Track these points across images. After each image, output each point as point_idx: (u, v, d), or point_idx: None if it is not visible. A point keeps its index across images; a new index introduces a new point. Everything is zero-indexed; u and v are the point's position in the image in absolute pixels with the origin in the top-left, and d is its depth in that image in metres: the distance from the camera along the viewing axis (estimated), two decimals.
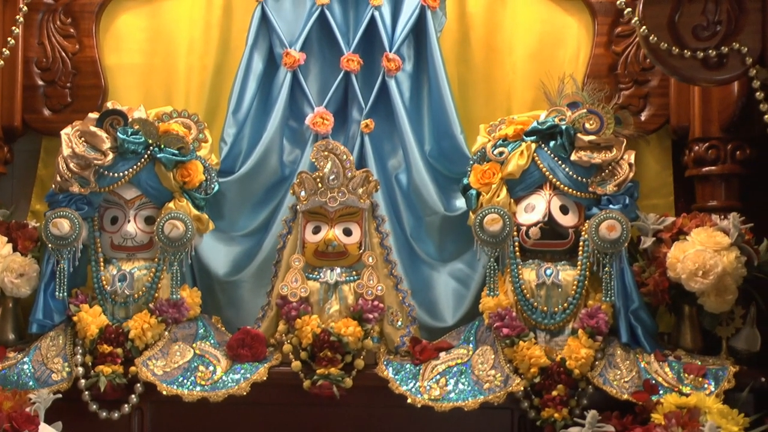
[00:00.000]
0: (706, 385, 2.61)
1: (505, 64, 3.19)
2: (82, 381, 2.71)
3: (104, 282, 2.82)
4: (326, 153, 2.80)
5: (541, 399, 2.65)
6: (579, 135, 2.81)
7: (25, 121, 3.11)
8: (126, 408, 2.71)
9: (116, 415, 2.71)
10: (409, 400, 2.64)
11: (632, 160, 2.82)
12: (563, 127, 2.82)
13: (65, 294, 2.78)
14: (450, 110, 3.10)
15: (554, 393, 2.63)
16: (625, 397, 2.59)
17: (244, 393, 2.67)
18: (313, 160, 2.83)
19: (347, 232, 2.83)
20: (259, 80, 3.17)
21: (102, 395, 2.69)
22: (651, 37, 2.40)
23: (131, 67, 3.20)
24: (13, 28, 2.74)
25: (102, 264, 2.85)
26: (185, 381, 2.68)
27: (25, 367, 2.73)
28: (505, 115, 3.06)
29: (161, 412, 2.79)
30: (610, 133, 2.82)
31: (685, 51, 2.40)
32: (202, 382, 2.67)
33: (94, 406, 2.71)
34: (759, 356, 2.73)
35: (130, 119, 2.83)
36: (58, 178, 2.83)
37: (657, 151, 3.12)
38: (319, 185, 2.81)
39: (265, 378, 2.70)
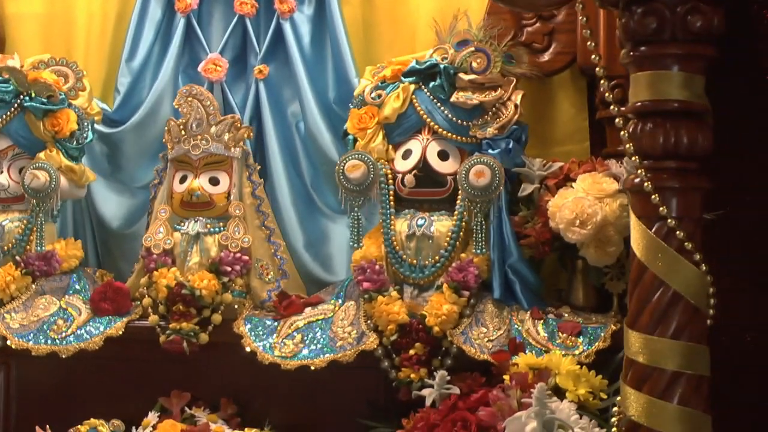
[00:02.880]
0: (578, 345, 2.38)
1: (409, 3, 2.99)
2: None
3: None
4: (190, 99, 2.68)
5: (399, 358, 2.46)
6: (460, 75, 2.60)
7: None
8: None
9: None
10: (258, 357, 2.49)
11: (518, 101, 2.58)
12: (442, 66, 2.60)
13: None
14: (345, 54, 2.93)
15: (411, 352, 2.44)
16: (484, 357, 2.39)
17: (97, 347, 2.58)
18: (177, 106, 2.71)
19: (214, 181, 2.70)
20: (158, 27, 3.07)
21: None
22: None
23: (32, 17, 3.14)
24: None
25: None
26: (39, 335, 2.61)
27: None
28: None
29: (28, 367, 2.72)
30: (497, 72, 2.59)
31: None
32: (54, 336, 2.60)
33: None
34: None
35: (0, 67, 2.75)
36: None
37: (571, 92, 2.87)
38: (182, 132, 2.69)
39: (121, 332, 2.61)
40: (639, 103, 1.87)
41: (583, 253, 2.48)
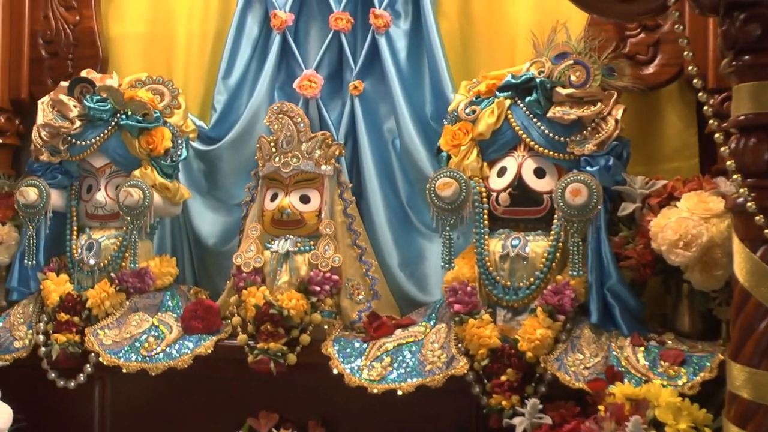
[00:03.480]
0: (681, 374, 2.23)
1: (508, 15, 2.90)
2: (42, 349, 2.71)
3: (74, 250, 2.81)
4: (280, 116, 2.65)
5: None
6: (557, 89, 2.49)
7: (32, 93, 3.16)
8: (81, 377, 2.68)
9: (72, 384, 2.69)
10: (345, 379, 2.43)
11: (619, 116, 2.45)
12: (538, 80, 2.49)
13: (34, 261, 2.79)
14: (441, 68, 2.86)
15: (503, 378, 2.33)
16: (579, 385, 2.26)
17: (186, 366, 2.57)
18: (267, 123, 2.68)
19: (305, 199, 2.66)
20: (254, 45, 3.07)
21: (58, 363, 2.68)
22: None
23: (134, 36, 3.20)
24: None
25: (75, 233, 2.84)
26: (130, 352, 2.62)
27: None
28: None
29: (122, 383, 2.74)
30: (596, 86, 2.47)
31: None
32: (145, 353, 2.60)
33: (53, 375, 2.71)
34: None
35: (97, 87, 2.79)
36: (33, 147, 2.85)
37: (679, 106, 2.71)
38: (273, 150, 2.66)
39: (210, 351, 2.59)
40: (741, 117, 1.75)
41: (687, 276, 2.33)
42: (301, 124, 2.64)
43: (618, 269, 2.38)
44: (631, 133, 2.60)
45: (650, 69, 2.65)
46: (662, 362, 2.26)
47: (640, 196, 2.44)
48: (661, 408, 2.06)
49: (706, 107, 1.80)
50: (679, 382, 2.21)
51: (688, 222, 2.27)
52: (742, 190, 1.74)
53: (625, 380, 2.23)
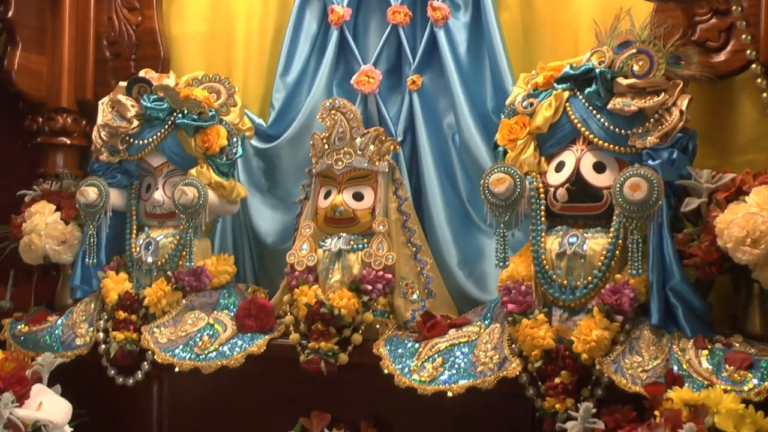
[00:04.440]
0: (747, 379, 2.09)
1: (571, 3, 2.80)
2: (102, 346, 2.73)
3: (133, 249, 2.83)
4: (332, 112, 2.60)
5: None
6: (618, 79, 2.37)
7: (97, 94, 3.20)
8: (138, 375, 2.69)
9: (130, 381, 2.71)
10: (395, 380, 2.37)
11: (684, 107, 2.32)
12: (598, 71, 2.39)
13: (95, 260, 2.82)
14: (501, 61, 2.78)
15: (557, 380, 2.24)
16: (636, 388, 2.15)
17: (238, 365, 2.55)
18: (320, 119, 2.64)
19: (358, 197, 2.61)
20: (313, 41, 3.05)
21: (116, 361, 2.70)
22: None
23: (194, 35, 3.23)
24: None
25: (135, 231, 2.86)
26: (184, 350, 2.61)
27: (56, 330, 2.82)
28: None
29: (180, 380, 2.73)
30: (660, 75, 2.35)
31: None
32: (198, 351, 2.59)
33: (112, 372, 2.73)
34: None
35: (154, 86, 2.80)
36: (94, 147, 2.88)
37: (754, 94, 2.54)
38: (326, 146, 2.62)
39: (262, 350, 2.57)
40: None
41: (756, 275, 2.19)
42: (354, 120, 2.58)
43: (681, 268, 2.26)
44: (701, 124, 2.47)
45: (721, 56, 2.49)
46: (727, 366, 2.13)
47: (707, 190, 2.31)
48: (722, 415, 1.94)
49: (764, 94, 1.68)
50: (745, 388, 2.07)
51: (757, 218, 2.14)
52: None
53: (686, 384, 2.10)
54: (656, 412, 2.02)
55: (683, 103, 2.33)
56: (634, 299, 2.26)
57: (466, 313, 2.60)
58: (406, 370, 2.39)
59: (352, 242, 2.58)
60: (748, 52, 1.68)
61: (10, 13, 3.12)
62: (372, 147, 2.58)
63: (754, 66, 1.67)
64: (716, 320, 2.35)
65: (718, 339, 2.23)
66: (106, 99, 2.88)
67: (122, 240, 2.90)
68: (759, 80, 1.66)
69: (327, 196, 2.63)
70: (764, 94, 1.67)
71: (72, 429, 2.56)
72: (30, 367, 2.57)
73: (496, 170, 2.39)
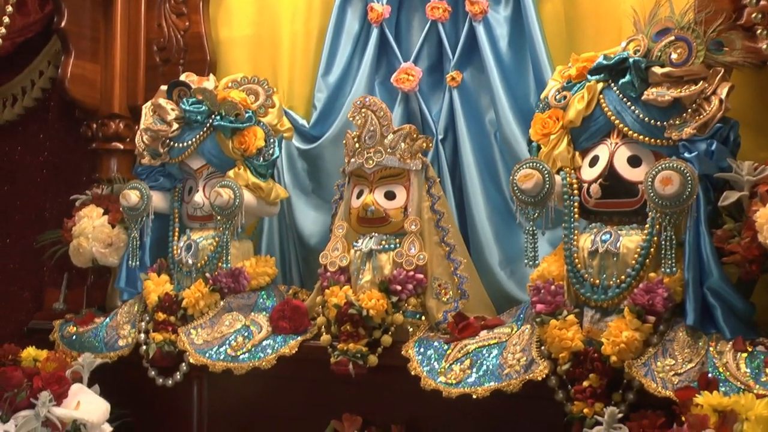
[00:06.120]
0: None
1: None
2: (143, 347, 2.76)
3: (175, 251, 2.85)
4: (363, 110, 2.57)
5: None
6: (653, 69, 2.27)
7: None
8: (177, 376, 2.71)
9: (170, 382, 2.73)
10: (422, 383, 2.32)
11: (724, 95, 2.20)
12: (632, 60, 2.28)
13: (138, 262, 2.85)
14: (542, 55, 2.70)
15: (585, 383, 2.14)
16: (666, 393, 2.04)
17: (269, 366, 2.54)
18: (350, 118, 2.61)
19: (390, 196, 2.57)
20: (355, 41, 3.03)
21: (155, 362, 2.72)
22: None
23: (240, 39, 3.24)
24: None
25: (177, 234, 2.88)
26: (219, 351, 2.62)
27: (101, 331, 2.86)
28: None
29: (220, 382, 2.74)
30: (699, 63, 2.23)
31: None
32: (232, 353, 2.59)
33: (152, 372, 2.75)
34: None
35: (192, 89, 2.82)
36: (137, 151, 2.92)
37: None
38: (357, 145, 2.58)
39: (294, 352, 2.55)
40: None
41: None
42: (384, 118, 2.54)
43: (720, 266, 2.13)
44: (750, 114, 2.34)
45: None
46: (767, 370, 1.99)
47: (748, 183, 2.18)
48: (751, 422, 1.82)
49: None
50: None
51: None
52: None
53: (722, 389, 1.98)
54: (683, 418, 1.90)
55: (723, 91, 2.21)
56: (668, 299, 2.15)
57: (501, 314, 2.51)
58: (434, 371, 2.33)
59: (383, 242, 2.54)
60: (760, 31, 1.56)
61: (63, 23, 3.19)
62: (403, 145, 2.54)
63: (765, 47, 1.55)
64: (764, 323, 2.21)
65: (762, 341, 2.09)
66: (148, 103, 2.91)
67: (166, 243, 2.93)
68: None
69: (359, 195, 2.60)
70: None
71: (112, 428, 2.58)
72: (70, 367, 2.60)
73: (524, 166, 2.31)
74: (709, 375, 2.03)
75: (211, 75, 2.96)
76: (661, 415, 2.02)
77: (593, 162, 2.34)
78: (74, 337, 2.93)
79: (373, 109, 2.55)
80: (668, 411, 2.03)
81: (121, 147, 3.31)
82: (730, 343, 2.08)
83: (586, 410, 2.13)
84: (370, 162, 2.54)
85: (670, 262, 2.14)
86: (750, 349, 2.06)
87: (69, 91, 3.23)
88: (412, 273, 2.47)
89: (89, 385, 2.62)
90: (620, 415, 2.00)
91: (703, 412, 1.89)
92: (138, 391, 2.76)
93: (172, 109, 2.83)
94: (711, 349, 2.09)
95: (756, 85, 2.37)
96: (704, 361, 2.07)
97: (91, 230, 2.96)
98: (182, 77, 2.93)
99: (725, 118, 2.21)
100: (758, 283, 2.21)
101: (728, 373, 2.03)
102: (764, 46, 2.31)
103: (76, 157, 3.43)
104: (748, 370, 2.02)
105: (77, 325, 2.95)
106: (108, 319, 2.90)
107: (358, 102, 2.58)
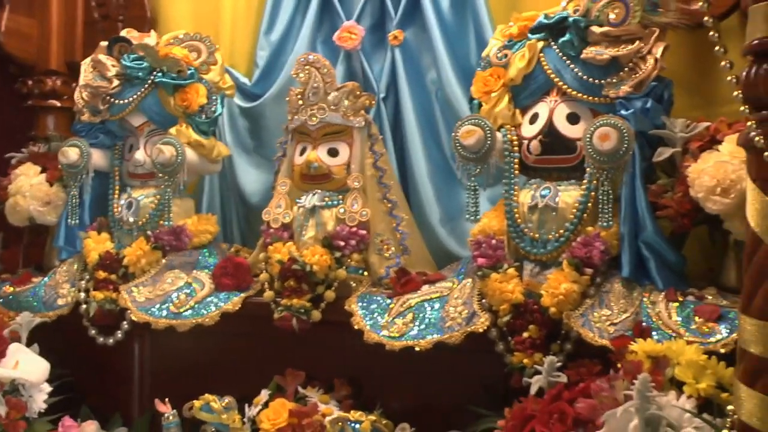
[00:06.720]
0: (716, 331, 2.04)
1: None
2: (83, 306, 2.74)
3: (115, 209, 2.83)
4: (306, 67, 2.57)
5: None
6: (591, 28, 2.31)
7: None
8: (118, 334, 2.70)
9: (111, 340, 2.72)
10: (365, 336, 2.35)
11: (659, 54, 2.25)
12: (572, 19, 2.33)
13: (77, 221, 2.83)
14: (482, 14, 2.74)
15: (525, 335, 2.20)
16: (602, 342, 2.10)
17: (213, 323, 2.54)
18: (294, 75, 2.61)
19: (333, 153, 2.58)
20: None
21: (96, 320, 2.71)
22: None
23: None
24: None
25: (117, 192, 2.86)
26: (161, 308, 2.61)
27: (39, 291, 2.83)
28: None
29: (161, 339, 2.74)
30: (636, 23, 2.28)
31: None
32: (174, 310, 2.59)
33: (92, 331, 2.74)
34: None
35: (133, 45, 2.79)
36: (76, 108, 2.88)
37: (740, 42, 2.34)
38: (300, 102, 2.59)
39: (237, 308, 2.56)
40: (756, 41, 1.56)
41: (727, 226, 2.14)
42: (328, 75, 2.54)
43: (654, 220, 2.20)
44: (685, 74, 2.41)
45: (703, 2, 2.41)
46: (696, 318, 2.08)
47: (681, 140, 2.24)
48: (682, 366, 1.89)
49: (711, 32, 1.61)
50: (713, 339, 2.01)
51: (727, 166, 2.07)
52: (749, 124, 1.56)
53: (655, 337, 2.05)
54: (619, 365, 1.97)
55: (658, 51, 2.26)
56: (605, 252, 2.21)
57: (443, 269, 2.55)
58: (376, 325, 2.36)
59: (326, 199, 2.56)
60: (701, 4, 1.61)
61: None
62: (346, 102, 2.55)
63: (706, 19, 1.60)
64: (695, 274, 2.29)
65: (691, 292, 2.17)
66: (88, 59, 2.87)
67: (106, 201, 2.90)
68: (711, 33, 1.59)
69: (302, 152, 2.61)
70: (716, 48, 1.60)
71: (52, 388, 2.57)
72: (8, 326, 2.58)
73: (466, 122, 2.35)
74: (643, 324, 2.09)
75: (153, 31, 2.92)
76: (598, 363, 2.07)
77: (533, 119, 2.38)
78: (11, 296, 2.89)
79: (316, 66, 2.55)
80: (604, 359, 2.08)
81: (59, 104, 3.27)
82: (663, 293, 2.15)
83: (525, 360, 2.18)
84: (314, 119, 2.55)
85: (606, 216, 2.20)
86: (681, 299, 2.13)
87: (4, 46, 3.17)
88: (354, 229, 2.50)
89: (28, 345, 2.60)
90: (559, 365, 2.05)
91: (637, 358, 1.96)
92: (78, 350, 2.75)
93: (113, 66, 2.80)
94: (645, 299, 2.16)
95: (690, 45, 2.42)
96: (638, 311, 2.14)
97: (29, 188, 2.92)
98: (123, 33, 2.89)
99: (660, 77, 2.26)
100: (689, 236, 2.28)
101: (661, 322, 2.10)
102: (699, 5, 2.38)
103: (11, 114, 3.36)
104: (679, 319, 2.09)
105: (14, 284, 2.91)
106: (46, 279, 2.87)
107: (302, 59, 2.58)
